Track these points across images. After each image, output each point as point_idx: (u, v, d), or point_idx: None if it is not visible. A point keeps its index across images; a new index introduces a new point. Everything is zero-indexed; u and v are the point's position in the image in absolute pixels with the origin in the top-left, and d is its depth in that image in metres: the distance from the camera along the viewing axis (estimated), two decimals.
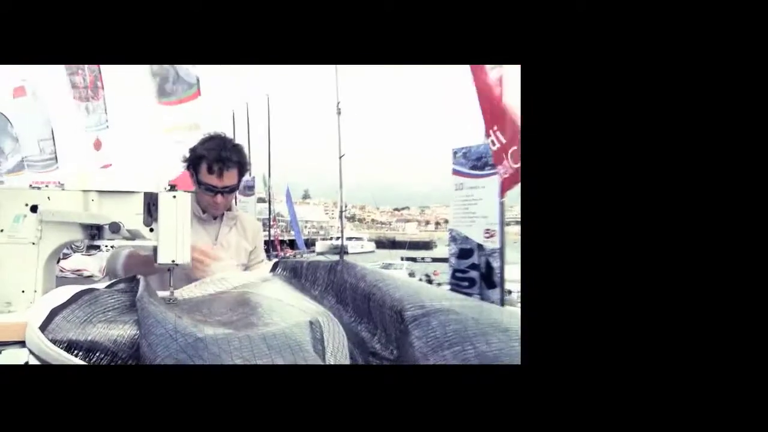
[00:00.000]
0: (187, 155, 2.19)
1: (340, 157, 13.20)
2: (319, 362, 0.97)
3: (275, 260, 1.82)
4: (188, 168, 2.20)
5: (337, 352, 1.09)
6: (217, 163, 2.09)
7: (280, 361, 0.94)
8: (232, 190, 2.21)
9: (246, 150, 2.33)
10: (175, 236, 1.57)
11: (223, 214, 2.34)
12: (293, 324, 1.10)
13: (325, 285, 1.42)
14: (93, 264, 5.60)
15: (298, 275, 1.58)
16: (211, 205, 2.19)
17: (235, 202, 2.52)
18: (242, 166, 2.19)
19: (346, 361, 1.06)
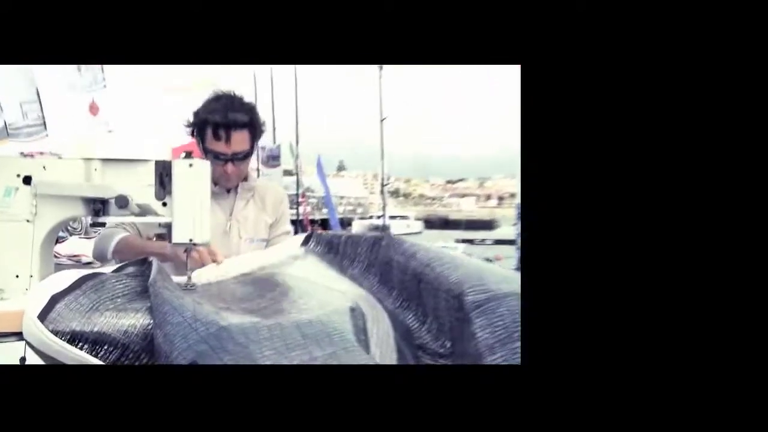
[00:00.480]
0: (191, 119, 2.17)
1: (382, 121, 13.09)
2: (363, 354, 0.98)
3: (307, 233, 1.82)
4: (193, 134, 2.18)
5: (383, 343, 1.10)
6: (223, 127, 2.06)
7: (318, 353, 0.95)
8: (245, 156, 2.18)
9: (259, 109, 2.29)
10: (193, 211, 1.56)
11: (237, 186, 2.31)
12: (332, 310, 1.11)
13: (367, 263, 1.43)
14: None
15: (334, 251, 1.59)
16: (222, 176, 2.17)
17: (258, 175, 2.54)
18: (254, 128, 2.16)
19: (393, 355, 1.08)
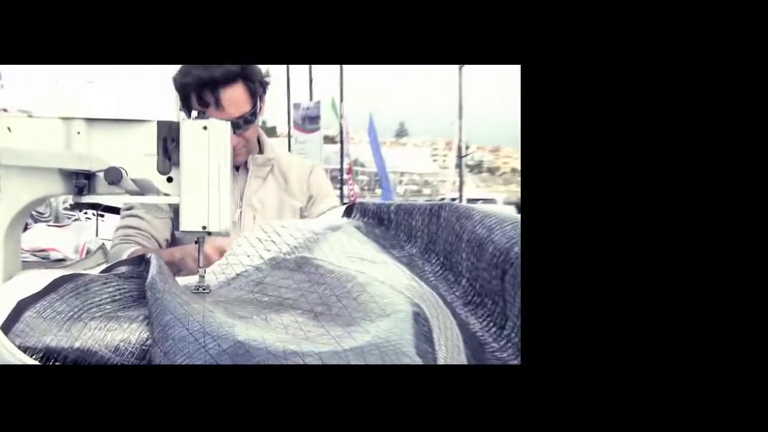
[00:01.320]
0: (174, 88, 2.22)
1: (460, 68, 12.90)
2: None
3: (348, 203, 1.86)
4: (181, 108, 2.20)
5: (451, 352, 1.16)
6: (208, 87, 2.09)
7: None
8: (247, 120, 2.19)
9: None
10: (208, 189, 1.55)
11: (246, 162, 2.34)
12: (391, 326, 1.12)
13: (426, 240, 1.45)
14: (66, 239, 5.05)
15: (382, 222, 1.65)
16: None
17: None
18: (250, 80, 2.17)
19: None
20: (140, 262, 1.41)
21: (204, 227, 1.56)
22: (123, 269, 1.38)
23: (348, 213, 1.77)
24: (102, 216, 5.90)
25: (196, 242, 1.63)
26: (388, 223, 1.62)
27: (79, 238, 4.83)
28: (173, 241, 2.39)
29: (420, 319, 1.14)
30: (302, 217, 2.40)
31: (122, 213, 2.42)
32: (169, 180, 1.58)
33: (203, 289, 1.50)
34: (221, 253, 1.80)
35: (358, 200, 1.89)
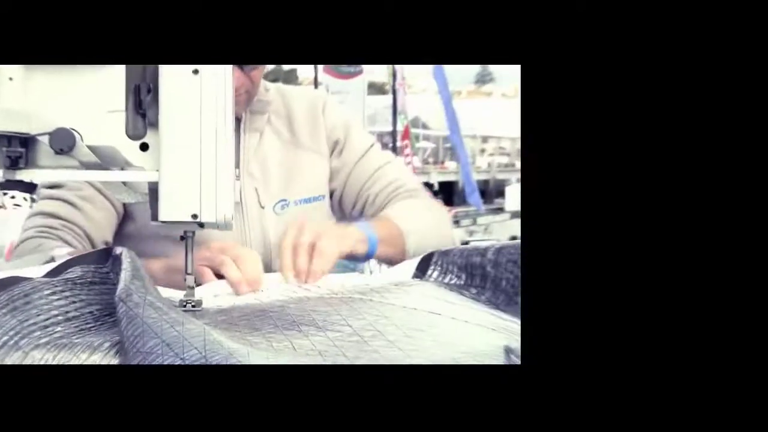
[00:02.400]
0: None
1: None
2: None
3: (424, 255, 2.00)
4: None
5: None
6: None
7: None
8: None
9: None
10: (200, 160, 1.54)
11: (240, 119, 2.32)
12: None
13: None
14: None
15: (474, 279, 1.82)
16: None
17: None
18: None
19: None
20: (105, 258, 1.46)
21: (195, 216, 1.54)
22: (78, 271, 1.43)
23: (423, 268, 1.95)
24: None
25: (181, 238, 1.62)
26: (483, 281, 1.79)
27: (3, 234, 4.83)
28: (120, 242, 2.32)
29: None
30: (332, 176, 2.49)
31: (41, 193, 2.35)
32: (144, 147, 1.55)
33: (192, 306, 1.56)
34: (237, 260, 1.88)
35: (437, 249, 1.94)
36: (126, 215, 2.33)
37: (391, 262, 2.29)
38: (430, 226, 2.44)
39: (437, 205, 2.63)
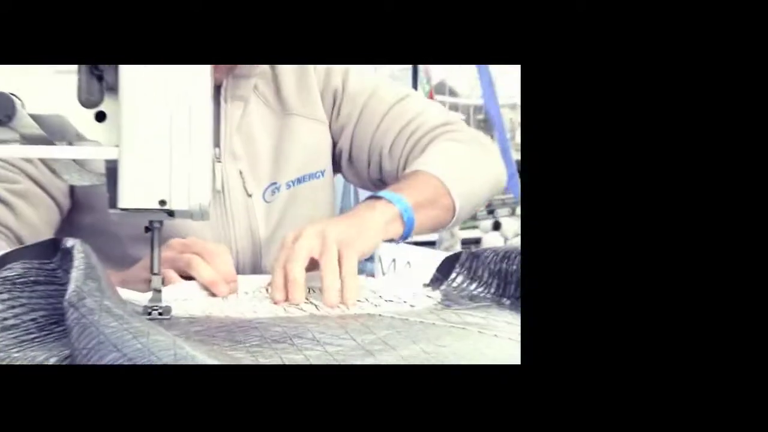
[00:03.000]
0: None
1: None
2: None
3: (450, 255, 1.86)
4: None
5: None
6: None
7: None
8: None
9: None
10: (170, 133, 1.41)
11: (221, 86, 2.08)
12: None
13: None
14: None
15: (512, 290, 1.76)
16: None
17: None
18: None
19: None
20: (52, 252, 1.34)
21: (163, 203, 1.41)
22: (18, 268, 1.32)
23: (445, 270, 1.84)
24: None
25: (146, 230, 1.47)
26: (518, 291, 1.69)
27: None
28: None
29: None
30: (336, 137, 2.27)
31: None
32: (100, 117, 1.41)
33: (159, 313, 1.46)
34: (207, 255, 1.75)
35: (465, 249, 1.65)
36: (79, 206, 2.12)
37: (435, 228, 2.10)
38: (478, 169, 2.19)
39: (480, 138, 2.32)
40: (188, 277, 1.73)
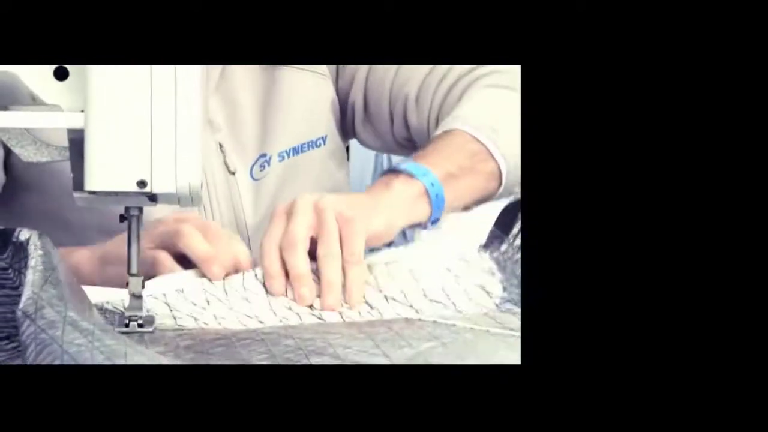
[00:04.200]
0: None
1: None
2: None
3: (508, 204, 1.59)
4: None
5: None
6: None
7: None
8: None
9: None
10: (150, 100, 1.24)
11: None
12: None
13: None
14: None
15: None
16: None
17: None
18: None
19: None
20: (1, 245, 1.25)
21: (142, 184, 1.24)
22: None
23: (505, 225, 1.57)
24: None
25: (122, 219, 1.29)
26: None
27: None
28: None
29: None
30: (346, 103, 1.94)
31: None
32: (61, 75, 1.26)
33: (140, 325, 1.30)
34: (208, 235, 1.50)
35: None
36: (18, 183, 1.84)
37: (478, 202, 1.75)
38: None
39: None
40: (183, 261, 1.53)
